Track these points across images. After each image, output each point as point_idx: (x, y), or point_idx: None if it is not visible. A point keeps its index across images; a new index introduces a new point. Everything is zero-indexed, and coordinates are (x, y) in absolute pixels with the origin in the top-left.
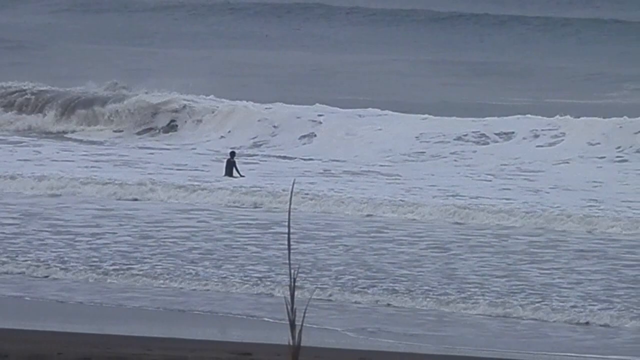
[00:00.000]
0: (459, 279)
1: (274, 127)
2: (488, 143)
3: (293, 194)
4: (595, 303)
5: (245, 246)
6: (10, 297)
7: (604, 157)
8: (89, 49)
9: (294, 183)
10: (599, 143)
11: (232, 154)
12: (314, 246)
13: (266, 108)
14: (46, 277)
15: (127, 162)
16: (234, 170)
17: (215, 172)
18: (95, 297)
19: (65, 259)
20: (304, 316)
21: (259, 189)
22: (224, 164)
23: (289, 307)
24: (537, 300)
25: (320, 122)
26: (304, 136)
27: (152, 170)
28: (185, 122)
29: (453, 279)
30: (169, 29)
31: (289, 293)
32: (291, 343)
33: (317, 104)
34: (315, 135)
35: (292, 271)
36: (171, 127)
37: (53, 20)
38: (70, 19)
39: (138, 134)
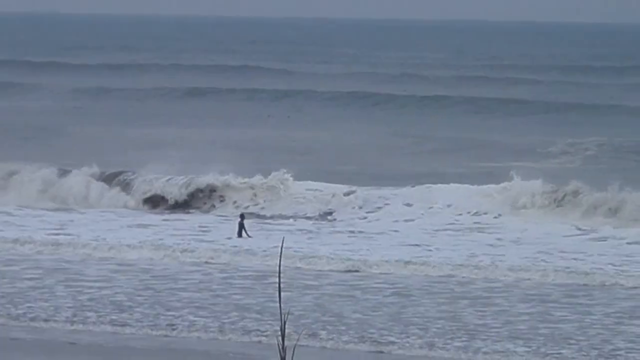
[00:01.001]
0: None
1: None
2: None
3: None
4: None
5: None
6: None
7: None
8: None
9: (283, 240)
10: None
11: (242, 216)
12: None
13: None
14: None
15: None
16: (243, 231)
17: (230, 233)
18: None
19: None
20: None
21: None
22: (237, 226)
23: (280, 347)
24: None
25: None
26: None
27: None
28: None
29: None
30: (194, 112)
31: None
32: None
33: None
34: None
35: (283, 316)
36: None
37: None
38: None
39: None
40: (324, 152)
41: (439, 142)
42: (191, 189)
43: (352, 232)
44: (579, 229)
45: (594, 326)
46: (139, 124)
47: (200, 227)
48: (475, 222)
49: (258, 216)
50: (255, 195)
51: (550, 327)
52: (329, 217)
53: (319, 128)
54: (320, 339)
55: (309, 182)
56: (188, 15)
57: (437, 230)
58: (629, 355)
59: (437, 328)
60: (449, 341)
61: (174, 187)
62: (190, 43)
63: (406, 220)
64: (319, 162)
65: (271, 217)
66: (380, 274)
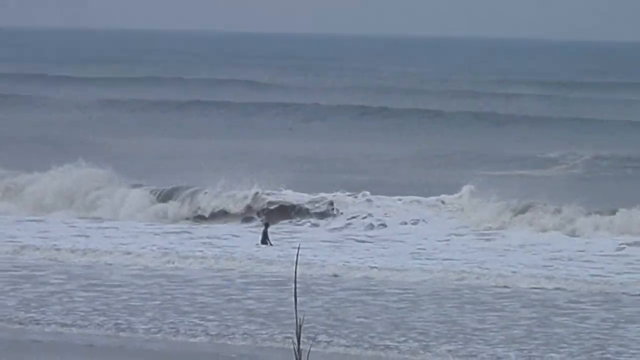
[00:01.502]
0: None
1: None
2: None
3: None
4: None
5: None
6: None
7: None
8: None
9: (299, 248)
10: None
11: (266, 225)
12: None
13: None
14: None
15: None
16: (267, 239)
17: (254, 240)
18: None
19: None
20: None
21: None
22: (261, 234)
23: (296, 348)
24: None
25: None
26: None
27: None
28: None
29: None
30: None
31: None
32: None
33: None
34: None
35: (298, 320)
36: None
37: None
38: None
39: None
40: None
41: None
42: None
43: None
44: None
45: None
46: (176, 136)
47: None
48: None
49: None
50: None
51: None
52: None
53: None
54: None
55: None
56: (206, 30)
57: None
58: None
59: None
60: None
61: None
62: (207, 57)
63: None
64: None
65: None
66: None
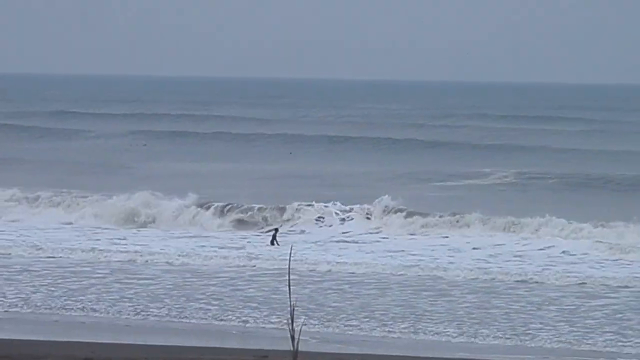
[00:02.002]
0: None
1: None
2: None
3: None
4: None
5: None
6: None
7: None
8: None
9: (291, 248)
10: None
11: (276, 229)
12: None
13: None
14: None
15: None
16: (275, 240)
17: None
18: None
19: None
20: (300, 331)
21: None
22: (271, 237)
23: (290, 325)
24: None
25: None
26: None
27: None
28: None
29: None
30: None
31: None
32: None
33: None
34: None
35: (292, 302)
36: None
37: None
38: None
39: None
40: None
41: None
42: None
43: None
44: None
45: None
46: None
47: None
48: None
49: None
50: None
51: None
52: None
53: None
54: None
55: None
56: (216, 76)
57: None
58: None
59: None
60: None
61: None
62: (225, 98)
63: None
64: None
65: None
66: None
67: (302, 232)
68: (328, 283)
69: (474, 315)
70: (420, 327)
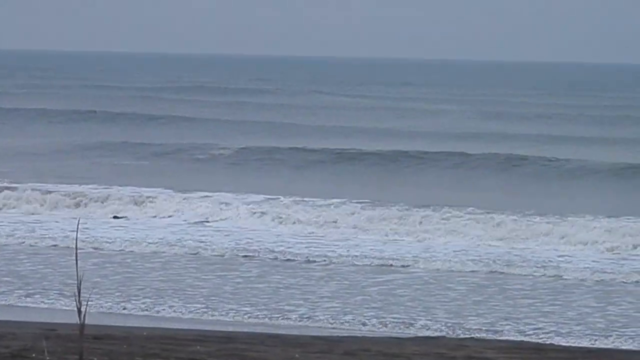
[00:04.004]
0: None
1: None
2: None
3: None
4: None
5: None
6: None
7: None
8: None
9: (78, 221)
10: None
11: None
12: None
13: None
14: None
15: None
16: None
17: None
18: None
19: None
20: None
21: None
22: None
23: (77, 300)
24: None
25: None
26: None
27: None
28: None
29: None
30: None
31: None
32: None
33: None
34: None
35: (78, 277)
36: None
37: None
38: None
39: None
40: None
41: None
42: None
43: None
44: None
45: None
46: None
47: None
48: None
49: None
50: None
51: None
52: None
53: None
54: None
55: None
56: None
57: None
58: None
59: None
60: None
61: None
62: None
63: None
64: None
65: None
66: None
67: None
68: None
69: (380, 299)
70: None
